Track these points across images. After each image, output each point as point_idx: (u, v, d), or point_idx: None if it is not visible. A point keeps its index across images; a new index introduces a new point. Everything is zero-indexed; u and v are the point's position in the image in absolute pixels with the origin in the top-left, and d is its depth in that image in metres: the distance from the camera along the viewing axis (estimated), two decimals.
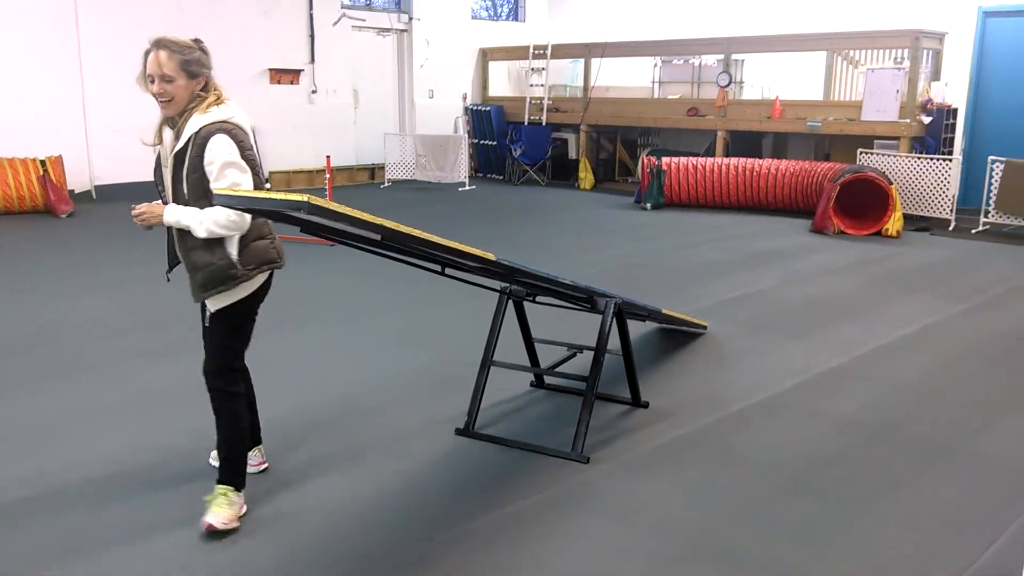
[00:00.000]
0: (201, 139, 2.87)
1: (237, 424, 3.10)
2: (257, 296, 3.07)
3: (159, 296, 6.31)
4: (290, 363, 4.79)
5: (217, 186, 2.83)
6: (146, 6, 11.18)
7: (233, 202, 2.51)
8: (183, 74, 2.89)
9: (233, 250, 2.93)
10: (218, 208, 2.80)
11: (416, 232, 2.71)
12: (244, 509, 3.09)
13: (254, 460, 3.41)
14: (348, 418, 4.06)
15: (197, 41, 2.97)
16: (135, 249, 7.88)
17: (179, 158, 2.92)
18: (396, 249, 3.04)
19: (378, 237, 2.66)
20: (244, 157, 2.92)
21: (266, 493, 3.30)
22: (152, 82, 2.92)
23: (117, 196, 10.94)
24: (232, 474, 3.07)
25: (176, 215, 2.90)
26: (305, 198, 2.30)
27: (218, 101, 2.95)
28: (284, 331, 5.39)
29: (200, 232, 2.85)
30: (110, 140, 11.05)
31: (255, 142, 3.19)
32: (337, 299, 6.30)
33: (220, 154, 2.85)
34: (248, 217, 2.88)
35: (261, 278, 3.05)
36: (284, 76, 12.66)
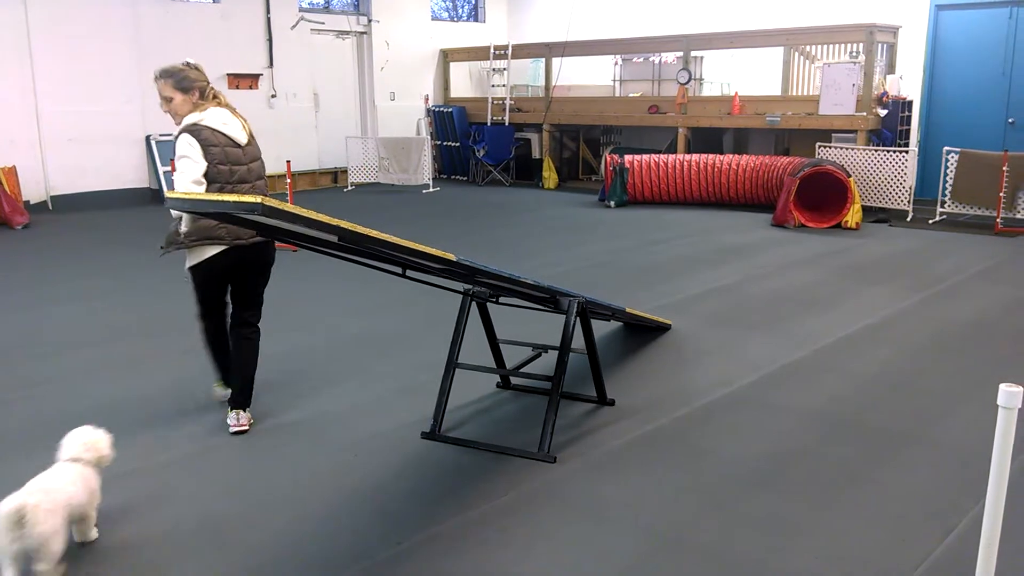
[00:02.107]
0: (175, 137, 3.73)
1: (207, 346, 4.11)
2: (210, 267, 3.77)
3: (116, 307, 6.20)
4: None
5: (174, 174, 3.69)
6: (100, 14, 10.99)
7: (185, 206, 2.48)
8: (177, 92, 3.74)
9: (183, 223, 3.66)
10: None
11: (374, 233, 2.68)
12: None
13: (230, 420, 3.95)
14: (312, 423, 4.01)
15: (187, 63, 3.80)
16: (92, 260, 7.74)
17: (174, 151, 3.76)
18: (356, 251, 3.01)
19: (335, 238, 2.63)
20: (207, 152, 3.64)
21: (231, 497, 3.25)
22: (162, 103, 3.80)
23: (74, 206, 10.75)
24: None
25: None
26: (259, 199, 2.27)
27: (201, 108, 3.74)
28: None
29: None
30: (65, 150, 10.84)
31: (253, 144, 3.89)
32: (297, 304, 6.23)
33: (178, 149, 3.67)
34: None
35: (208, 251, 3.72)
36: (242, 81, 12.51)
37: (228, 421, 3.89)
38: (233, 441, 3.80)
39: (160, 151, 11.43)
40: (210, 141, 3.65)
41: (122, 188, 11.34)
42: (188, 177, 3.59)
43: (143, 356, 5.02)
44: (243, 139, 3.79)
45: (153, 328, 5.61)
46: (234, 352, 3.97)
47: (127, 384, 4.55)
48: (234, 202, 2.27)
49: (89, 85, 10.93)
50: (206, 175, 3.63)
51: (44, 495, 2.59)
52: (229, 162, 3.70)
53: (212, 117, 3.71)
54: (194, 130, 3.65)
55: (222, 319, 4.02)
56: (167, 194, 2.55)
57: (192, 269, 3.81)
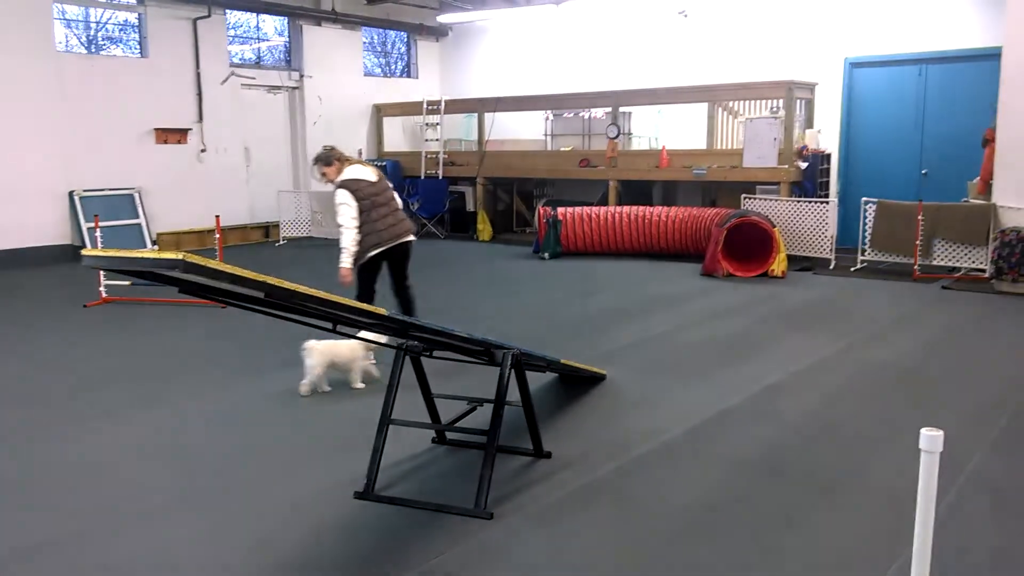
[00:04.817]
0: (334, 192, 5.75)
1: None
2: (370, 263, 5.85)
3: (34, 368, 5.95)
4: (177, 430, 4.56)
5: (338, 217, 5.70)
6: (23, 67, 10.72)
7: (102, 263, 2.40)
8: (327, 167, 5.83)
9: (352, 244, 5.73)
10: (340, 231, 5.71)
11: (302, 288, 2.64)
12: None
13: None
14: (240, 486, 3.88)
15: (324, 147, 5.92)
16: (9, 322, 7.44)
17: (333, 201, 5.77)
18: (284, 307, 2.96)
19: (262, 295, 2.58)
20: (357, 197, 5.65)
21: (161, 566, 3.10)
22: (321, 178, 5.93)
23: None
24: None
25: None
26: (180, 255, 2.21)
27: (342, 170, 5.79)
28: (167, 396, 5.15)
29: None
30: None
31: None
32: (221, 361, 6.07)
33: (338, 199, 5.70)
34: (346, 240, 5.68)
35: (369, 253, 5.76)
36: (171, 136, 12.34)
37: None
38: (159, 502, 3.65)
39: (84, 207, 11.15)
40: (353, 187, 5.68)
41: (43, 245, 10.98)
42: (347, 216, 5.62)
43: (55, 421, 4.80)
44: (373, 179, 5.80)
45: (74, 389, 5.39)
46: (406, 301, 6.15)
47: (42, 450, 4.34)
48: (155, 258, 2.21)
49: (10, 140, 10.63)
50: (359, 209, 5.65)
51: (318, 345, 4.99)
52: (368, 195, 5.69)
53: (350, 171, 5.79)
54: (344, 183, 5.69)
55: (371, 298, 5.80)
56: (84, 253, 2.48)
57: (361, 266, 5.78)
